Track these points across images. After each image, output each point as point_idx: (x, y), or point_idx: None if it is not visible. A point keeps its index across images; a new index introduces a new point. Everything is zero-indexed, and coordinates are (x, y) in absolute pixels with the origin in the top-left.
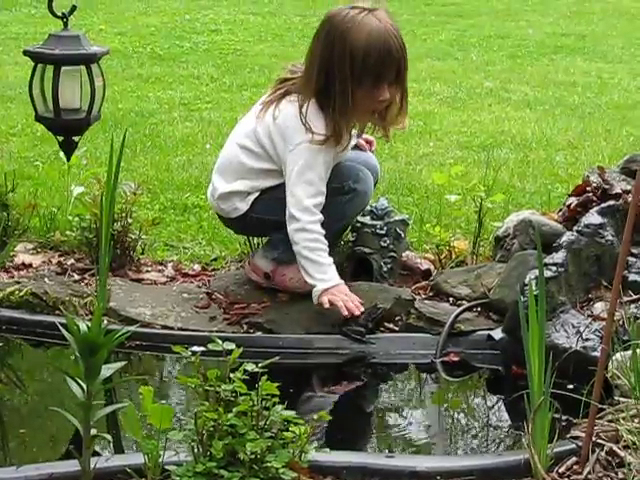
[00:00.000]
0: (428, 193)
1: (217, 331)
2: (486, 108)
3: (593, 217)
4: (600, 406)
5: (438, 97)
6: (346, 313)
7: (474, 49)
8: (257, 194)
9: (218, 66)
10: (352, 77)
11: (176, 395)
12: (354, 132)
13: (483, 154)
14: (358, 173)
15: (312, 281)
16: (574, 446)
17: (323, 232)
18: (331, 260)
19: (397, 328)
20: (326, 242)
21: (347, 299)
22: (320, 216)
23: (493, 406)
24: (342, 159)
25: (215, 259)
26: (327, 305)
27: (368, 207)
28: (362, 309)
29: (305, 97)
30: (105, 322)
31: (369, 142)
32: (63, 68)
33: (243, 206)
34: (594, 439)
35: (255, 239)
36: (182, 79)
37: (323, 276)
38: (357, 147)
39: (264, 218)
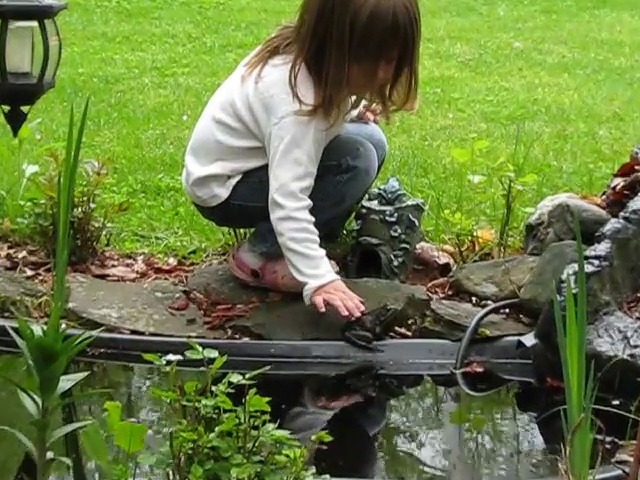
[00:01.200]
0: (447, 173)
1: (196, 336)
2: (516, 73)
3: None
4: None
5: (459, 60)
6: (346, 313)
7: (501, 3)
8: (239, 177)
9: (197, 23)
10: (350, 49)
11: (148, 412)
12: (350, 102)
13: (512, 127)
14: (358, 148)
15: (302, 278)
16: (620, 472)
17: (312, 220)
18: (323, 253)
19: (410, 333)
20: (316, 231)
21: (346, 297)
22: (308, 202)
23: (524, 426)
24: (338, 133)
25: (194, 252)
26: (322, 306)
27: (375, 189)
28: (363, 309)
29: (295, 60)
30: (63, 326)
31: (373, 111)
32: (11, 23)
33: (223, 192)
34: None
35: (241, 229)
36: (154, 38)
37: (315, 271)
38: (359, 118)
39: (249, 206)
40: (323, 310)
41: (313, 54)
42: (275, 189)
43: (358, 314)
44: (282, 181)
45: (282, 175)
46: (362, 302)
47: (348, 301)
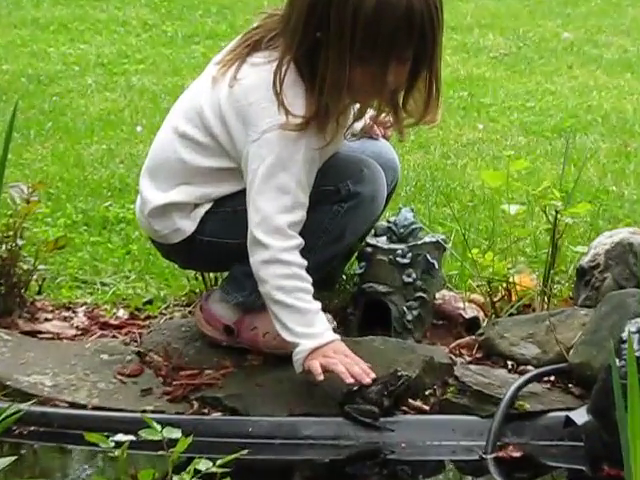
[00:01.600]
0: (475, 201)
1: (153, 411)
2: (564, 72)
3: None
4: None
5: (491, 55)
6: (351, 380)
7: None
8: (208, 207)
9: (154, 7)
10: (352, 46)
11: None
12: (352, 113)
13: (559, 142)
14: (362, 169)
15: (292, 337)
16: None
17: (304, 264)
18: (318, 306)
19: (428, 407)
20: (309, 279)
21: (349, 362)
22: (299, 240)
23: None
24: (336, 151)
25: (150, 302)
26: (319, 372)
27: (384, 222)
28: (374, 376)
29: (281, 59)
30: None
31: (382, 124)
32: None
33: (188, 226)
34: None
35: (211, 273)
36: (99, 27)
37: (308, 330)
38: (364, 132)
39: (221, 242)
40: (321, 378)
41: (304, 51)
42: (256, 224)
43: (368, 381)
44: (265, 214)
45: (264, 206)
46: (371, 368)
47: (353, 366)
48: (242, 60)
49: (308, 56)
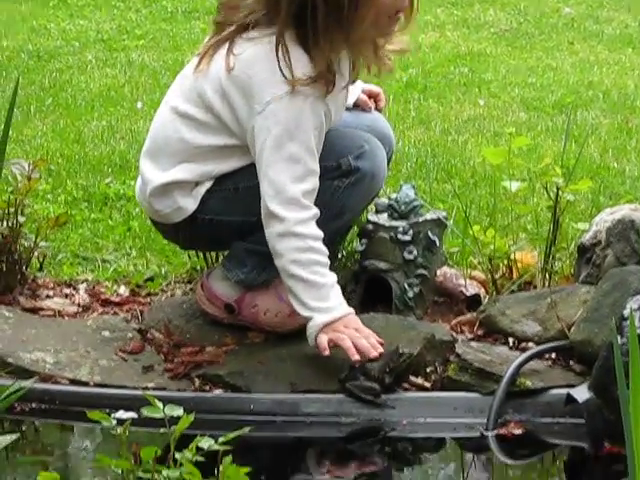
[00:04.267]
0: (476, 178)
1: (155, 388)
2: (565, 47)
3: None
4: None
5: (491, 30)
6: (357, 357)
7: None
8: (209, 185)
9: None
10: None
11: None
12: (349, 68)
13: (561, 118)
14: (362, 144)
15: (306, 312)
16: None
17: (320, 235)
18: (334, 279)
19: (429, 384)
20: (326, 251)
21: (358, 336)
22: (314, 210)
23: None
24: (340, 119)
25: (151, 279)
26: (325, 347)
27: (385, 199)
28: (381, 350)
29: (278, 30)
30: None
31: (374, 96)
32: None
33: (189, 204)
34: None
35: (212, 252)
36: (100, 1)
37: (322, 304)
38: (356, 106)
39: (223, 221)
40: (327, 353)
41: (295, 13)
42: (270, 197)
43: (374, 354)
44: (278, 185)
45: (276, 178)
46: (381, 342)
47: (360, 339)
48: (232, 39)
49: (300, 20)
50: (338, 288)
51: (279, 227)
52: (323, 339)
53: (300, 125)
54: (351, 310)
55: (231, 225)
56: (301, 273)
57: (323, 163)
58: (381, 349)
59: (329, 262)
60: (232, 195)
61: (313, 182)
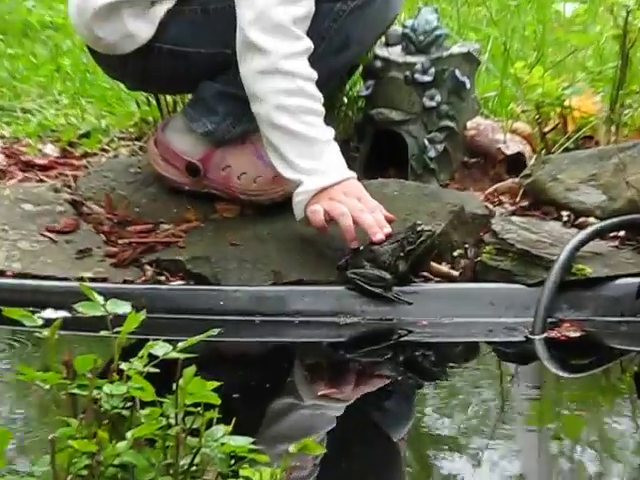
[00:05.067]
0: None
1: (94, 279)
2: None
3: None
4: None
5: None
6: (355, 244)
7: None
8: (170, 4)
9: None
10: None
11: (12, 405)
12: None
13: None
14: None
15: (293, 175)
16: None
17: (314, 76)
18: (330, 133)
19: (457, 273)
20: (320, 97)
21: (361, 208)
22: (307, 43)
23: None
24: None
25: (87, 134)
26: (321, 222)
27: (398, 27)
28: (390, 230)
29: None
30: None
31: None
32: None
33: (143, 30)
34: None
35: (168, 97)
36: None
37: (314, 164)
38: None
39: (186, 52)
40: (322, 228)
41: None
42: (249, 22)
43: (381, 237)
44: (261, 7)
45: None
46: (391, 219)
47: (363, 213)
48: None
49: None
50: (336, 145)
51: (260, 62)
52: (317, 212)
53: None
54: (352, 174)
55: (197, 59)
56: (287, 123)
57: None
58: (389, 229)
59: (324, 111)
60: (200, 19)
61: (307, 6)
